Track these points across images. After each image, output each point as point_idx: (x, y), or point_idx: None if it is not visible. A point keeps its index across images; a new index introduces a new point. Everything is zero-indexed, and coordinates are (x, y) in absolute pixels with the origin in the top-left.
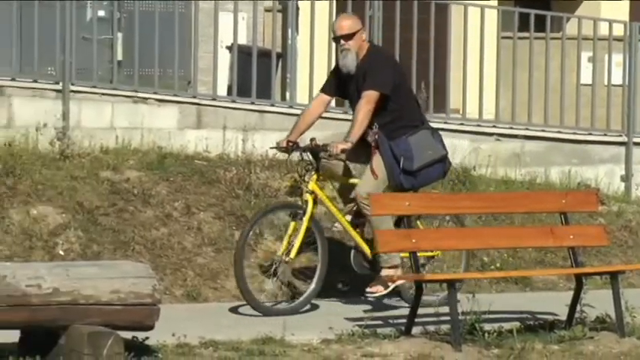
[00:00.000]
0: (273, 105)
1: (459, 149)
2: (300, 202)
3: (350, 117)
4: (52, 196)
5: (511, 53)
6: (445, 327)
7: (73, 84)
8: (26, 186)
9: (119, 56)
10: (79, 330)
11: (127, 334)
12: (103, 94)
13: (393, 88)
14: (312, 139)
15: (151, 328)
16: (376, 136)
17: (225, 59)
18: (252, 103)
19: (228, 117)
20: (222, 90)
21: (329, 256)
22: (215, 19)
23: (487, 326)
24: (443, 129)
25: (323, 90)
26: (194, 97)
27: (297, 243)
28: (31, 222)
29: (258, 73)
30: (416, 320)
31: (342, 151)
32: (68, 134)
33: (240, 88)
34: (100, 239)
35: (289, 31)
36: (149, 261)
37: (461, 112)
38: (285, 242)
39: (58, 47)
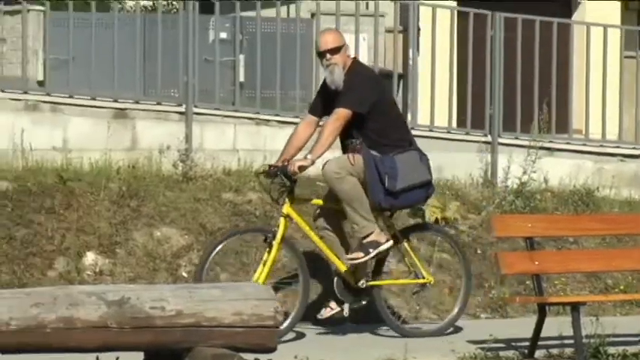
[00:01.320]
0: None
1: (582, 170)
2: (276, 227)
3: None
4: (175, 218)
5: (634, 72)
6: (569, 350)
7: (195, 106)
8: (150, 208)
9: (241, 78)
10: (203, 352)
11: (249, 356)
12: (226, 116)
13: (372, 106)
14: (283, 161)
15: (272, 350)
16: (358, 146)
17: None
18: None
19: None
20: None
21: (310, 281)
22: None
23: (611, 349)
24: (565, 150)
25: (310, 111)
26: None
27: (266, 267)
28: (154, 244)
29: None
30: (539, 343)
31: (300, 168)
32: (191, 156)
33: None
34: (221, 261)
35: (410, 51)
36: (270, 283)
37: (584, 132)
38: (259, 268)
39: (181, 69)
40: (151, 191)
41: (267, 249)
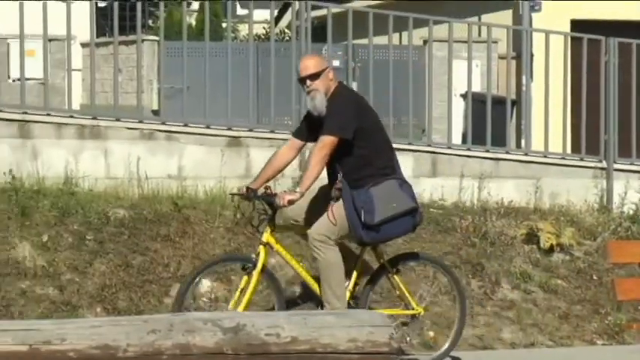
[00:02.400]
0: (508, 152)
1: None
2: (254, 255)
3: None
4: (289, 244)
5: None
6: None
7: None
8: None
9: None
10: None
11: None
12: None
13: (357, 132)
14: (266, 188)
15: None
16: (339, 189)
17: (459, 107)
18: (487, 151)
19: (464, 165)
20: (456, 138)
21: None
22: (449, 68)
23: None
24: None
25: (294, 134)
26: (429, 145)
27: (246, 296)
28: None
29: (493, 120)
30: None
31: (290, 202)
32: None
33: (475, 135)
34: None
35: (523, 77)
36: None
37: None
38: (236, 295)
39: (294, 98)
40: None
41: (246, 277)
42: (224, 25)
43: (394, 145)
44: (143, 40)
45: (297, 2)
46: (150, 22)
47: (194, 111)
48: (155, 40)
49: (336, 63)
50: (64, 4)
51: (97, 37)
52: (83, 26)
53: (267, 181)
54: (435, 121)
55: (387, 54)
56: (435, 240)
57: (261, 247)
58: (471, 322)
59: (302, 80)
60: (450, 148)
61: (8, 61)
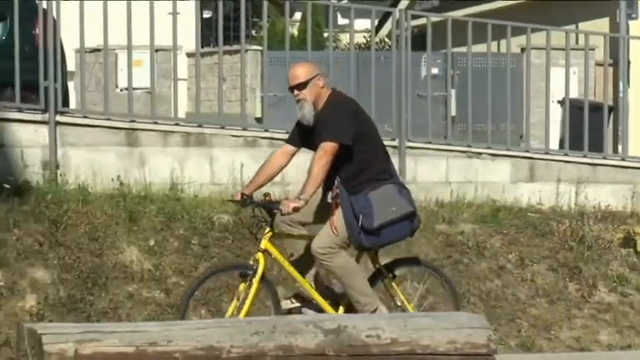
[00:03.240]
0: (605, 158)
1: None
2: (253, 262)
3: None
4: (390, 249)
5: None
6: None
7: (409, 140)
8: None
9: (453, 112)
10: None
11: None
12: (438, 149)
13: (356, 138)
14: (265, 195)
15: None
16: (336, 193)
17: (556, 113)
18: (585, 157)
19: (561, 170)
20: (554, 144)
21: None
22: (547, 75)
23: None
24: None
25: (288, 140)
26: (527, 151)
27: (247, 304)
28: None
29: (590, 126)
30: None
31: (295, 209)
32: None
33: (573, 141)
34: (435, 291)
35: (620, 84)
36: (483, 312)
37: None
38: (233, 303)
39: (394, 105)
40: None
41: (244, 284)
42: (325, 34)
43: (492, 152)
44: (247, 50)
45: (397, 12)
46: (253, 32)
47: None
48: (258, 50)
49: (435, 71)
50: (170, 17)
51: (202, 47)
52: (189, 37)
53: (260, 187)
54: (533, 127)
55: (485, 61)
56: (533, 244)
57: (260, 254)
58: (568, 324)
59: (291, 89)
60: (547, 153)
61: (116, 71)
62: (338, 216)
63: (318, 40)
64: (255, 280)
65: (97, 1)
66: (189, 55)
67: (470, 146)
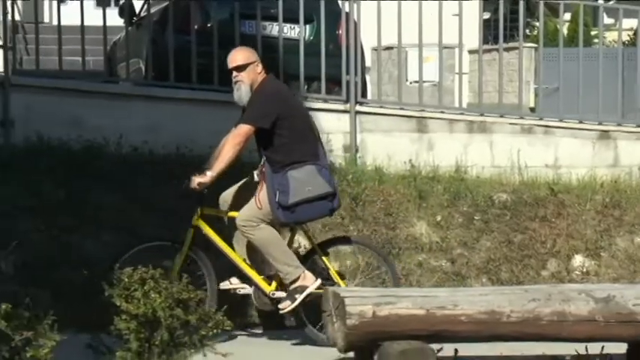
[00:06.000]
0: None
1: None
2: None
3: None
4: None
5: None
6: None
7: None
8: (631, 217)
9: None
10: None
11: None
12: None
13: (278, 122)
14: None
15: None
16: (262, 171)
17: None
18: None
19: None
20: None
21: (217, 292)
22: None
23: None
24: None
25: (237, 123)
26: None
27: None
28: (635, 249)
29: None
30: None
31: (200, 184)
32: None
33: None
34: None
35: None
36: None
37: None
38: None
39: None
40: (631, 202)
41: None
42: (592, 32)
43: None
44: (523, 47)
45: None
46: (527, 31)
47: (568, 108)
48: (533, 47)
49: None
50: (455, 18)
51: (483, 45)
52: (471, 35)
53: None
54: None
55: None
56: None
57: (190, 229)
58: None
59: (229, 72)
60: None
61: (406, 66)
62: (262, 192)
63: (586, 38)
64: (180, 254)
65: (392, 1)
66: (470, 52)
67: None
